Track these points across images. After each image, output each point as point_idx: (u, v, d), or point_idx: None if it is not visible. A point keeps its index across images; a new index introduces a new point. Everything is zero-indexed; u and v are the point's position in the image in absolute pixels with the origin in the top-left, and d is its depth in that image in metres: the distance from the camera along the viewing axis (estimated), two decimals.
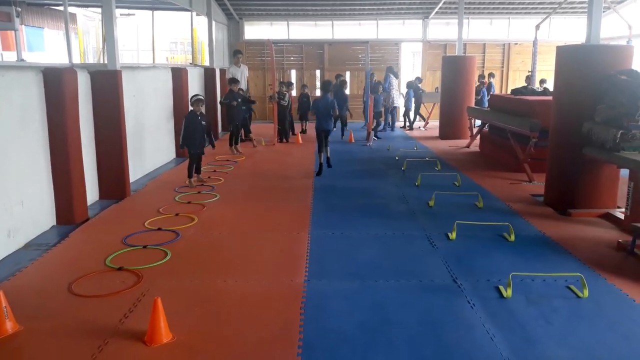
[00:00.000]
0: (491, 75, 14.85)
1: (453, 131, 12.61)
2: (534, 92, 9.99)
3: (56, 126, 5.58)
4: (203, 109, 7.64)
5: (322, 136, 8.53)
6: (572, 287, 4.18)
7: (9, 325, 3.46)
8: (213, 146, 7.85)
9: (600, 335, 3.50)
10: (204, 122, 7.48)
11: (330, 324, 3.62)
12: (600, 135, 5.73)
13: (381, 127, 13.36)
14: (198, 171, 7.79)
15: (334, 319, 3.68)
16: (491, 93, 13.26)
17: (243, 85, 11.83)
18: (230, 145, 10.37)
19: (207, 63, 13.58)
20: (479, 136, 11.06)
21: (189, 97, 7.59)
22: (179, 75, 9.91)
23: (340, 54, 16.34)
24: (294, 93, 15.92)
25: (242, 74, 11.85)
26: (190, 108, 7.67)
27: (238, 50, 12.49)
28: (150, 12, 14.14)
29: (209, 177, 8.12)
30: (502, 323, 3.63)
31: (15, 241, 4.99)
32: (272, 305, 3.89)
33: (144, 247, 5.05)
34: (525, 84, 14.52)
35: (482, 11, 15.99)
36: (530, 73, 12.41)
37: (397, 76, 13.83)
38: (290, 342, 3.38)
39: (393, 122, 14.11)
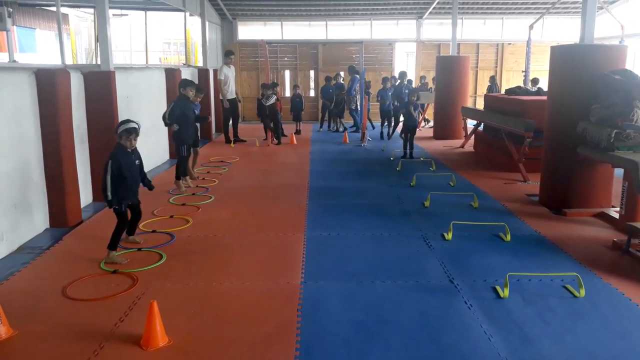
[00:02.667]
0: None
1: (447, 131, 12.62)
2: (528, 92, 10.02)
3: (49, 128, 5.53)
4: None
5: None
6: (569, 286, 4.19)
7: (3, 330, 3.42)
8: (150, 187, 5.32)
9: (596, 334, 3.50)
10: (137, 162, 5.15)
11: (327, 325, 3.61)
12: (594, 135, 5.75)
13: (342, 129, 13.63)
14: (131, 231, 5.24)
15: (331, 320, 3.67)
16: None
17: (232, 87, 11.87)
18: (178, 177, 7.31)
19: (200, 64, 13.53)
20: (473, 136, 11.09)
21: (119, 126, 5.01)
22: (172, 76, 9.87)
23: (334, 54, 16.34)
24: (287, 93, 15.96)
25: (233, 74, 11.90)
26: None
27: (231, 50, 12.50)
28: (143, 12, 14.06)
29: (203, 179, 8.09)
30: (499, 323, 3.63)
31: (8, 244, 4.94)
32: (269, 306, 3.87)
33: (139, 249, 5.02)
34: (489, 84, 14.68)
35: (476, 11, 16.04)
36: (525, 72, 12.44)
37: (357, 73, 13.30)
38: (288, 343, 3.37)
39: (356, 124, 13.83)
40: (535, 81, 12.79)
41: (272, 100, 11.51)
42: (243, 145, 11.62)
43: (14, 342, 3.39)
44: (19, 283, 4.29)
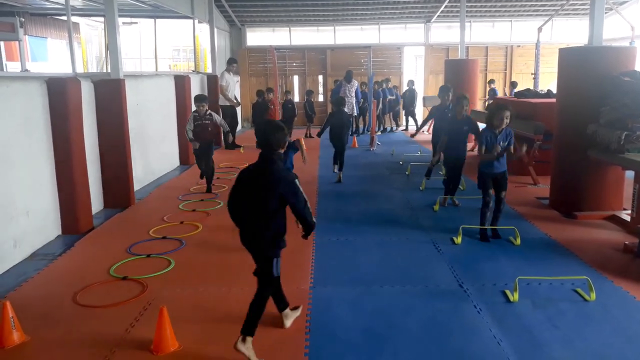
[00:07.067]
0: (491, 81, 14.72)
1: None
2: (538, 95, 9.97)
3: (60, 136, 5.61)
4: None
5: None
6: (579, 290, 4.16)
7: (16, 336, 3.47)
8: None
9: (607, 338, 3.48)
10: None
11: (336, 330, 3.62)
12: (604, 137, 5.71)
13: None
14: None
15: (340, 325, 3.68)
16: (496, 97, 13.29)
17: (232, 93, 11.93)
18: None
19: (209, 70, 13.63)
20: None
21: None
22: (181, 83, 9.95)
23: (342, 59, 16.37)
24: (296, 99, 16.01)
25: (234, 81, 12.02)
26: None
27: (234, 59, 12.67)
28: (152, 20, 14.20)
29: (213, 184, 8.12)
30: (508, 327, 3.62)
31: (21, 251, 5.00)
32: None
33: (148, 255, 5.06)
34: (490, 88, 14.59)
35: (484, 14, 16.00)
36: (534, 75, 12.37)
37: (349, 80, 12.65)
38: (297, 348, 3.38)
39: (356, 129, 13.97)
40: (513, 84, 13.21)
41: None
42: (252, 151, 11.66)
43: (27, 347, 3.44)
44: (32, 289, 4.35)
